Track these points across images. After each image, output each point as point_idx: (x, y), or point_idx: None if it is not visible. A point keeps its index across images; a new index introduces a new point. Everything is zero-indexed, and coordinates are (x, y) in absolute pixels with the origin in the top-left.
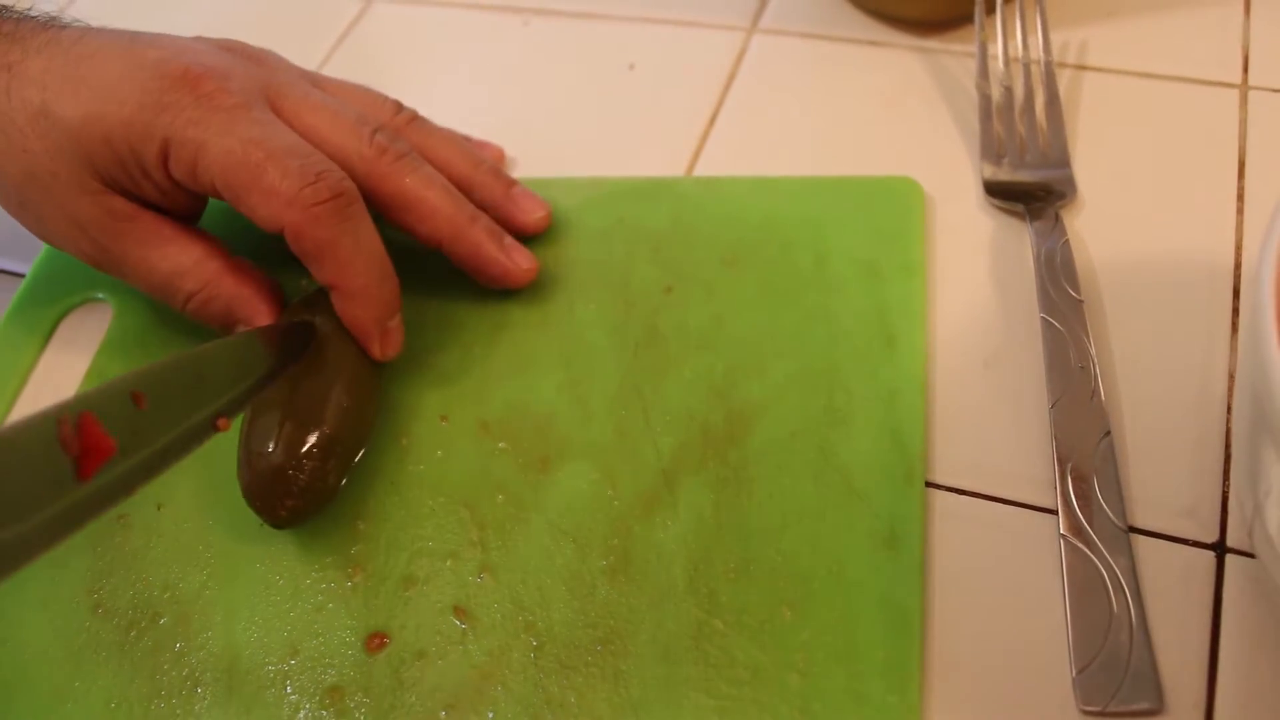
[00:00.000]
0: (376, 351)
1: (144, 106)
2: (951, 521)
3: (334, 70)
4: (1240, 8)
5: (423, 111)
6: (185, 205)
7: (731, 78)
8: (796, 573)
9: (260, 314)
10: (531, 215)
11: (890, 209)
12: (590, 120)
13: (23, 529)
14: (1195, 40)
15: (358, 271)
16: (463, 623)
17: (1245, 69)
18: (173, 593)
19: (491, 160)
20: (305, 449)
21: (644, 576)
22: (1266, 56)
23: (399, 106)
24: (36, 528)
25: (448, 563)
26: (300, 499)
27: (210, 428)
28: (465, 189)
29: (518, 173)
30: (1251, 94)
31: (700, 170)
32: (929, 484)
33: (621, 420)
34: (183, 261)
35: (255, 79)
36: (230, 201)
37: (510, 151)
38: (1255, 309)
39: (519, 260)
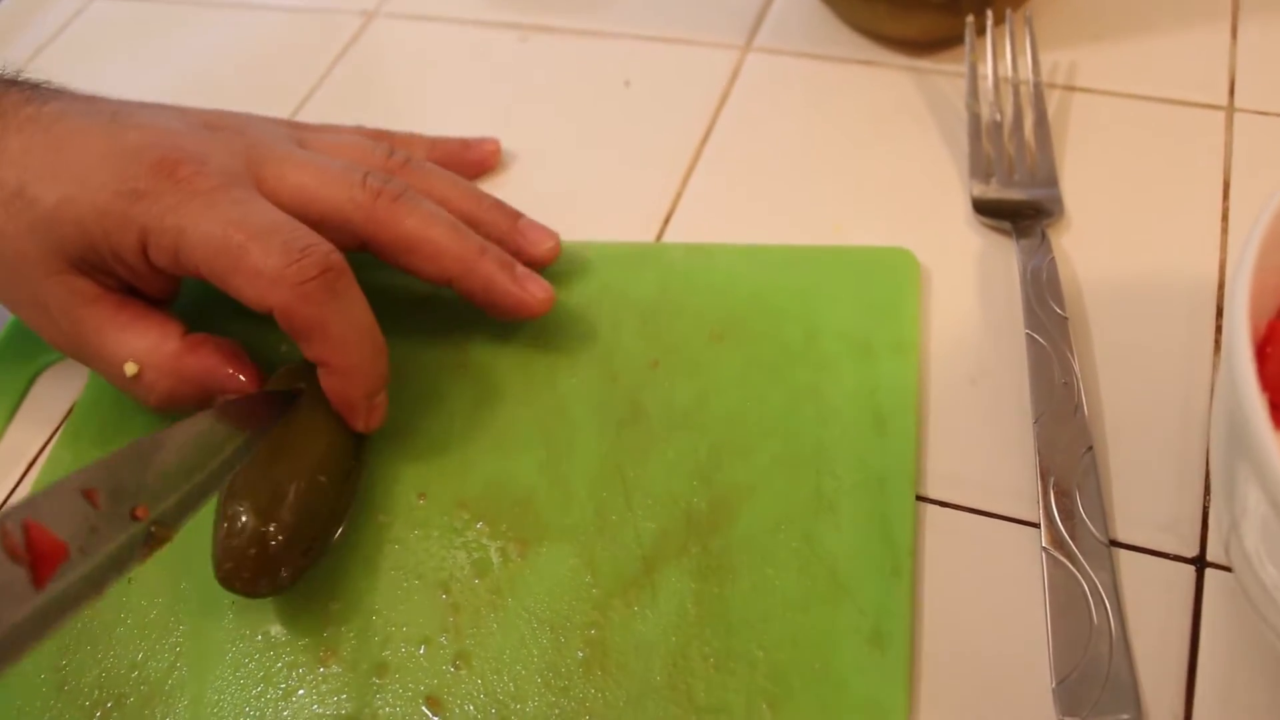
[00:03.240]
0: (360, 425)
1: (120, 194)
2: (936, 535)
3: (334, 85)
4: (1227, 31)
5: (421, 126)
6: (159, 288)
7: (726, 95)
8: (777, 669)
9: (234, 381)
10: (541, 247)
11: (885, 283)
12: (586, 136)
13: None
14: (1182, 62)
15: (350, 349)
16: (435, 715)
17: (1231, 91)
18: (140, 672)
19: (492, 196)
20: (281, 527)
21: (621, 670)
22: (1252, 79)
23: (391, 150)
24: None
25: (421, 650)
26: (273, 577)
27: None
28: (469, 227)
29: (514, 171)
30: (1237, 116)
31: (693, 186)
32: (917, 496)
33: (602, 502)
34: (137, 348)
35: (237, 153)
36: (216, 285)
37: (505, 170)
38: (1230, 333)
39: (534, 290)
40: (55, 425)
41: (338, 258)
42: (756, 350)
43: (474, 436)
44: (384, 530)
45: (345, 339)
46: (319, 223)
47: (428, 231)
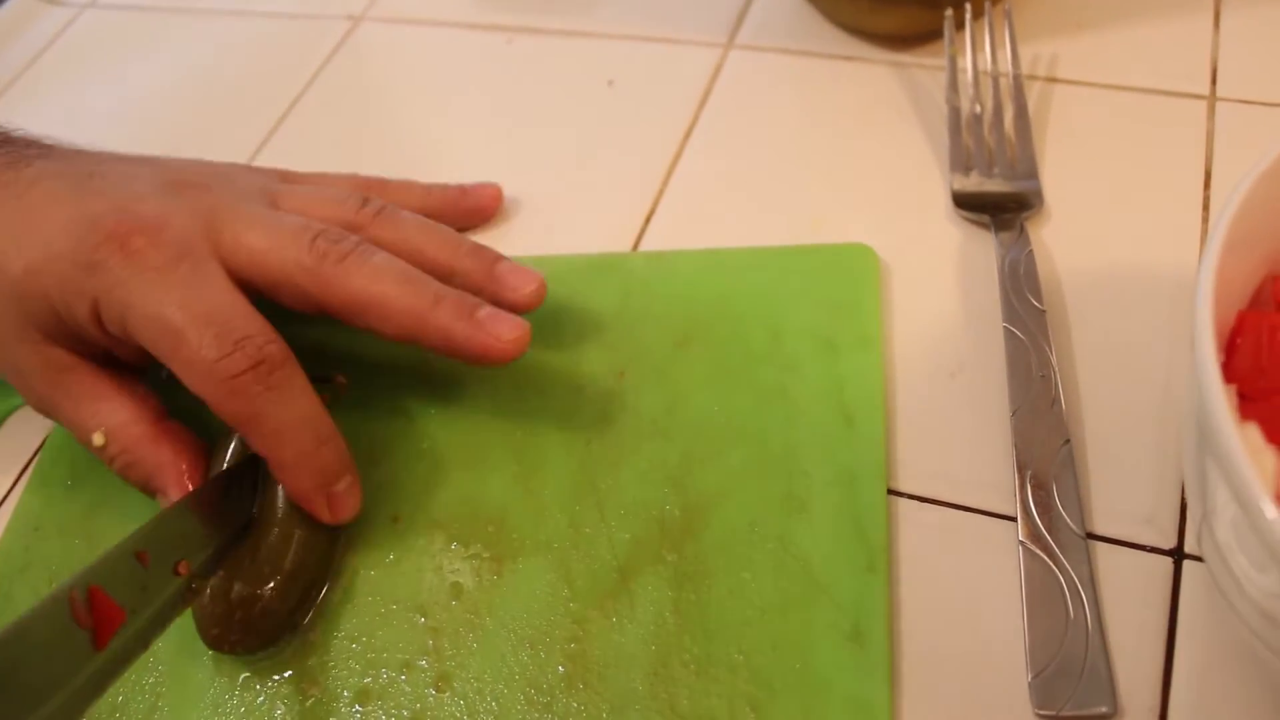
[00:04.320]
0: (325, 517)
1: (77, 264)
2: (914, 529)
3: (322, 90)
4: (1209, 20)
5: (406, 129)
6: (131, 354)
7: (708, 92)
8: (759, 673)
9: (172, 486)
10: (520, 292)
11: (845, 279)
12: (570, 135)
13: (51, 708)
14: (1164, 52)
15: (286, 442)
16: None
17: (1213, 81)
18: (121, 715)
19: (470, 242)
20: (266, 586)
21: (603, 683)
22: (1234, 68)
23: (365, 200)
24: (63, 704)
25: (403, 674)
26: (257, 635)
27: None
28: (445, 277)
29: (501, 173)
30: (1219, 105)
31: (676, 182)
32: (893, 491)
33: (575, 515)
34: (110, 423)
35: (199, 214)
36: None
37: (493, 168)
38: (1195, 332)
39: (500, 333)
40: (22, 466)
41: (274, 349)
42: (722, 354)
43: (444, 455)
44: (360, 555)
45: (280, 432)
46: (272, 287)
47: (374, 289)
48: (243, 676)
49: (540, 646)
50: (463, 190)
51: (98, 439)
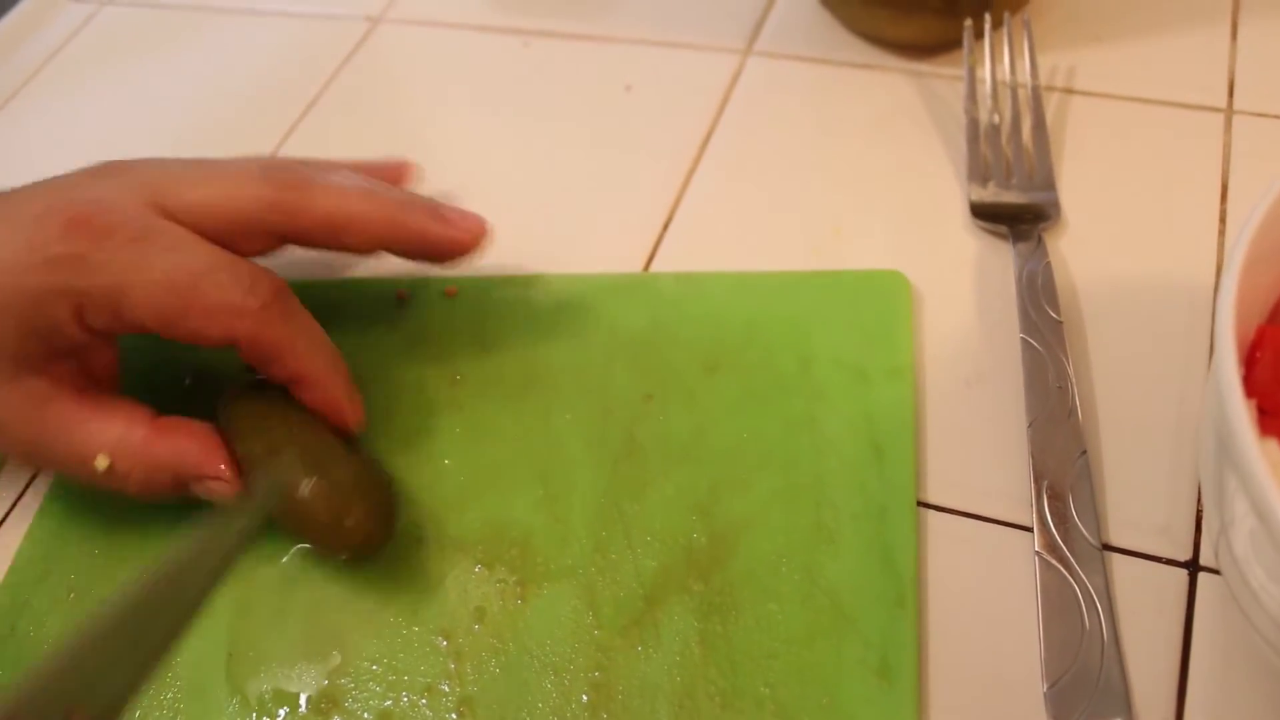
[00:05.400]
0: (351, 422)
1: (35, 267)
2: (928, 537)
3: (340, 91)
4: (1227, 33)
5: (424, 131)
6: (102, 360)
7: (727, 99)
8: (784, 707)
9: (205, 465)
10: (463, 231)
11: (877, 307)
12: (587, 140)
13: None
14: (1182, 64)
15: (315, 358)
16: None
17: (1230, 93)
18: None
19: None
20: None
21: (627, 713)
22: (1251, 81)
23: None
24: None
25: (424, 698)
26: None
27: None
28: None
29: (516, 176)
30: (1236, 118)
31: (694, 189)
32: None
33: (601, 540)
34: (106, 439)
35: (133, 191)
36: (163, 331)
37: (511, 171)
38: (1217, 347)
39: (468, 226)
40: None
41: (281, 281)
42: (751, 381)
43: (469, 477)
44: (382, 576)
45: (310, 351)
46: (231, 234)
47: (346, 208)
48: (262, 695)
49: (564, 674)
50: (384, 163)
51: (101, 462)
